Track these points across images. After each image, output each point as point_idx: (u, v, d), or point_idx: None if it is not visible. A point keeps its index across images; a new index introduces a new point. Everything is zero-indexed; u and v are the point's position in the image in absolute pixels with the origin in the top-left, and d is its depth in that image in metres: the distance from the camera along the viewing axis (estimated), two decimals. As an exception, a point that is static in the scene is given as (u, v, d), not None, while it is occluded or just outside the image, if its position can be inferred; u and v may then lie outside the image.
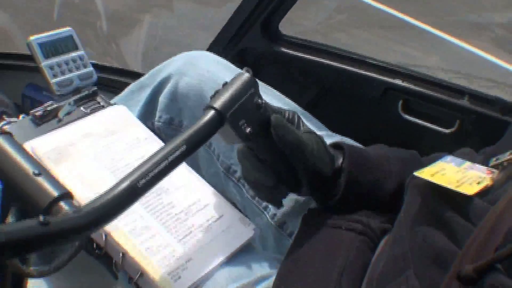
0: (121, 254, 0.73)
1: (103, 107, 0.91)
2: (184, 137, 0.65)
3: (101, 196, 0.59)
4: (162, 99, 1.00)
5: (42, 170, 0.63)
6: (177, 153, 0.64)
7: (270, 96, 0.98)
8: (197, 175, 0.88)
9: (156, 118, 1.01)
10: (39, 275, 0.66)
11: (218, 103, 0.69)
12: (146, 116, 1.01)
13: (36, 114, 0.85)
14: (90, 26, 2.99)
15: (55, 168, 0.77)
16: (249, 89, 0.72)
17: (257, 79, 1.03)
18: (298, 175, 0.75)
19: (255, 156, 0.75)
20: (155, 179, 0.62)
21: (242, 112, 0.71)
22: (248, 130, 0.71)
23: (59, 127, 0.85)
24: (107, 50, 2.89)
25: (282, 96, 1.02)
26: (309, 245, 0.75)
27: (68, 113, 0.88)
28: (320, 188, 0.77)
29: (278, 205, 0.79)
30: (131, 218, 0.77)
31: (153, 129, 0.96)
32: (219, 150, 0.96)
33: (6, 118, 0.84)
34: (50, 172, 0.76)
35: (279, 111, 0.76)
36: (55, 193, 0.60)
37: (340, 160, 0.78)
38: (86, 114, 0.89)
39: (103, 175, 0.80)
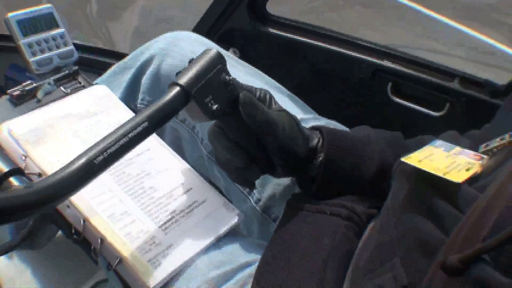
0: (99, 240, 0.71)
1: (84, 87, 0.88)
2: (147, 113, 0.63)
3: (55, 172, 0.56)
4: (145, 80, 0.98)
5: None
6: (139, 129, 0.61)
7: (255, 77, 0.96)
8: (180, 158, 0.85)
9: (139, 100, 0.99)
10: None
11: (183, 80, 0.67)
12: (129, 98, 0.99)
13: (14, 93, 0.83)
14: (81, 7, 2.94)
15: (33, 151, 0.75)
16: (217, 65, 0.70)
17: (243, 61, 1.02)
18: (270, 156, 0.73)
19: (225, 136, 0.73)
20: (114, 156, 0.59)
21: (208, 88, 0.68)
22: (215, 107, 0.69)
23: (38, 107, 0.82)
24: (97, 33, 2.84)
25: (269, 78, 1.00)
26: (294, 231, 0.73)
27: (48, 93, 0.85)
28: (294, 169, 0.75)
29: (251, 187, 0.77)
30: (111, 203, 0.75)
31: (135, 111, 0.94)
32: (203, 134, 0.94)
33: (-15, 100, 0.82)
34: (27, 154, 0.74)
35: (249, 89, 0.74)
36: (4, 168, 0.58)
37: (316, 141, 0.76)
38: (66, 94, 0.87)
39: None
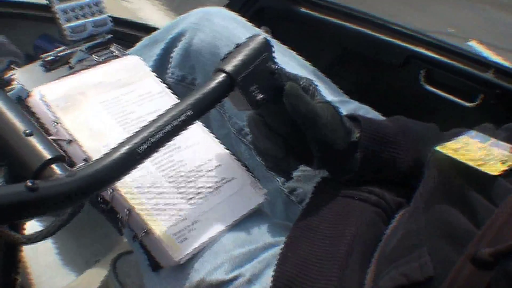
0: (126, 210, 0.71)
1: (116, 56, 0.88)
2: (191, 101, 0.62)
3: (97, 160, 0.55)
4: (175, 55, 0.97)
5: (34, 130, 0.58)
6: (183, 117, 0.61)
7: (287, 57, 0.95)
8: (211, 134, 0.85)
9: (169, 75, 0.98)
10: (27, 242, 0.63)
11: (229, 66, 0.65)
12: (159, 71, 0.98)
13: (47, 59, 0.83)
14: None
15: (64, 117, 0.75)
16: (263, 52, 0.68)
17: (275, 40, 1.00)
18: (310, 147, 0.72)
19: (266, 124, 0.72)
20: (157, 145, 0.59)
21: (254, 77, 0.67)
22: (259, 96, 0.68)
23: (70, 74, 0.82)
24: (126, 6, 2.82)
25: (300, 59, 0.99)
26: (320, 213, 0.73)
27: (80, 61, 0.85)
28: (332, 162, 0.74)
29: (287, 177, 0.76)
30: (139, 174, 0.74)
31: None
32: (232, 111, 0.93)
33: (15, 68, 0.82)
34: (58, 120, 0.74)
35: (294, 78, 0.73)
36: (47, 155, 0.56)
37: (356, 134, 0.74)
38: (98, 63, 0.86)
39: (112, 127, 0.77)
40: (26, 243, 0.65)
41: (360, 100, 0.97)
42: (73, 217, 0.60)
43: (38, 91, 0.76)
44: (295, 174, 0.86)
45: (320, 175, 0.81)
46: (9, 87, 0.79)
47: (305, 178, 0.86)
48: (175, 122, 0.60)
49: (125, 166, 0.56)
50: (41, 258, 1.26)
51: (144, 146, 0.57)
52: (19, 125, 0.58)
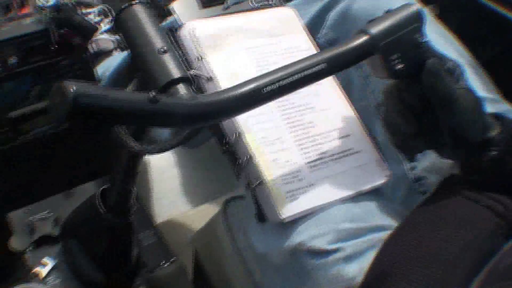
0: (246, 157, 0.72)
1: (272, 5, 0.88)
2: (328, 55, 0.60)
3: (221, 91, 0.56)
4: (332, 16, 0.95)
5: (169, 49, 0.61)
6: (315, 69, 0.59)
7: (444, 40, 0.89)
8: (348, 103, 0.83)
9: (321, 35, 0.97)
10: (142, 152, 0.66)
11: (373, 29, 0.63)
12: (312, 29, 0.96)
13: (205, -5, 0.84)
14: None
15: (209, 55, 0.77)
16: (413, 23, 0.65)
17: (439, 21, 0.94)
18: (442, 133, 0.68)
19: (401, 99, 0.68)
20: (283, 90, 0.58)
21: (398, 45, 0.64)
22: (399, 67, 0.64)
23: (223, 14, 0.83)
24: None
25: (459, 46, 0.92)
26: (439, 210, 0.69)
27: (237, 3, 0.86)
28: (462, 153, 0.69)
29: (411, 157, 0.72)
30: (267, 125, 0.75)
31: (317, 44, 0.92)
32: (376, 84, 0.90)
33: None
34: (203, 56, 0.76)
35: (440, 57, 0.68)
36: (175, 74, 0.59)
37: (494, 133, 0.68)
38: (254, 8, 0.87)
39: (251, 73, 0.78)
40: (141, 153, 0.68)
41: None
42: (188, 140, 0.62)
43: (190, 25, 0.78)
44: (425, 163, 0.82)
45: (451, 170, 0.77)
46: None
47: (434, 170, 0.82)
48: (306, 72, 0.59)
49: (246, 103, 0.57)
50: (166, 182, 1.33)
51: (270, 88, 0.57)
52: (156, 42, 0.61)
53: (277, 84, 0.57)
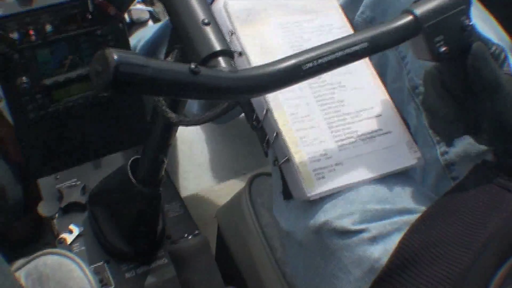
0: (275, 134, 0.72)
1: (308, -19, 0.86)
2: (370, 34, 0.59)
3: (261, 66, 0.55)
4: None
5: (212, 21, 0.60)
6: (356, 48, 0.58)
7: (488, 27, 0.86)
8: (380, 82, 0.81)
9: (359, 13, 0.95)
10: (179, 123, 0.66)
11: (419, 10, 0.61)
12: (349, 7, 0.95)
13: (241, -31, 0.83)
14: None
15: (241, 29, 0.76)
16: (460, 5, 0.63)
17: (484, 8, 0.92)
18: (482, 118, 0.66)
19: (442, 82, 0.66)
20: (323, 67, 0.57)
21: (443, 27, 0.62)
22: (443, 49, 0.63)
23: (258, -12, 0.82)
24: None
25: (503, 33, 0.89)
26: (469, 197, 0.67)
27: (272, -22, 0.84)
28: (502, 141, 0.67)
29: (449, 142, 0.71)
30: (297, 102, 0.74)
31: (352, 23, 0.90)
32: (412, 66, 0.88)
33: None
34: (235, 31, 0.75)
35: (485, 41, 0.66)
36: (217, 46, 0.58)
37: None
38: (289, -16, 0.85)
39: (284, 50, 0.77)
40: (178, 124, 0.69)
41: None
42: (224, 113, 0.62)
43: (222, 0, 0.77)
44: (457, 149, 0.81)
45: (483, 156, 0.75)
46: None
47: (467, 156, 0.80)
48: (348, 50, 0.58)
49: (285, 79, 0.56)
50: (195, 157, 1.34)
51: (310, 65, 0.56)
52: (200, 13, 0.60)
53: (317, 61, 0.57)
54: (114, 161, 1.07)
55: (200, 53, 0.58)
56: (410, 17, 0.61)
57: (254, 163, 1.30)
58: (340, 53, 0.57)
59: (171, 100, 0.71)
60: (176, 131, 0.82)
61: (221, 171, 1.33)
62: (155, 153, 0.83)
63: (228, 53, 0.59)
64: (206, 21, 0.60)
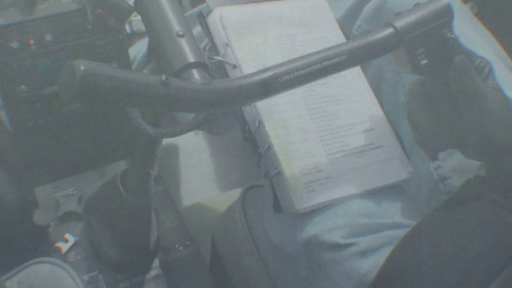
0: (266, 146, 0.72)
1: (304, -6, 0.87)
2: (349, 46, 0.59)
3: (236, 78, 0.56)
4: (367, 8, 0.93)
5: (187, 33, 0.60)
6: (335, 60, 0.58)
7: (481, 39, 0.86)
8: (373, 96, 0.81)
9: (355, 27, 0.95)
10: (154, 135, 0.66)
11: (400, 22, 0.61)
12: (346, 21, 0.95)
13: (235, -19, 0.84)
14: None
15: (236, 42, 0.76)
16: (442, 18, 0.63)
17: (479, 20, 0.91)
18: (468, 132, 0.66)
19: (425, 94, 0.66)
20: (300, 80, 0.57)
21: (424, 40, 0.62)
22: (424, 62, 0.63)
23: (253, 1, 0.83)
24: None
25: (496, 45, 0.89)
26: (461, 212, 0.67)
27: (267, -10, 0.85)
28: (488, 156, 0.67)
29: (432, 156, 0.70)
30: (290, 115, 0.74)
31: (348, 37, 0.91)
32: (407, 80, 0.88)
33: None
34: (230, 44, 0.75)
35: (468, 53, 0.66)
36: (191, 58, 0.58)
37: None
38: (285, -3, 0.86)
39: (277, 62, 0.77)
40: (153, 136, 0.68)
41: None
42: (201, 125, 0.62)
43: (219, 11, 0.77)
44: (451, 163, 0.80)
45: (477, 171, 0.74)
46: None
47: (461, 170, 0.80)
48: (326, 63, 0.58)
49: (261, 91, 0.56)
50: (194, 167, 1.34)
51: (287, 77, 0.56)
52: (175, 25, 0.60)
53: (294, 74, 0.56)
54: (112, 171, 1.07)
55: (174, 65, 0.58)
56: (390, 30, 0.61)
57: (252, 175, 1.30)
58: (318, 66, 0.58)
59: (151, 111, 0.71)
60: (160, 142, 0.82)
61: (219, 182, 1.33)
62: (142, 165, 0.84)
63: (202, 65, 0.59)
64: (180, 33, 0.60)
